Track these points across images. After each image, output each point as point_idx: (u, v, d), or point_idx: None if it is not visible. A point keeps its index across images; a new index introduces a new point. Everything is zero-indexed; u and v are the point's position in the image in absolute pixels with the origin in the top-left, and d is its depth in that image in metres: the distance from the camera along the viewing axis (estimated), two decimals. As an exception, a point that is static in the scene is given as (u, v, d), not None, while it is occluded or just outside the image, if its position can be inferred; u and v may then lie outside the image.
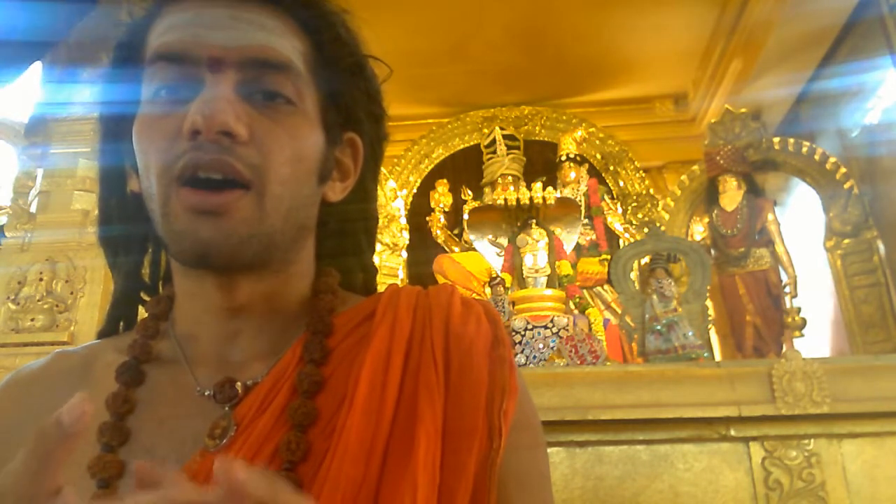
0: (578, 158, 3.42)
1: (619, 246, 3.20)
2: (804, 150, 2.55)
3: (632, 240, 3.12)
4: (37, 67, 2.36)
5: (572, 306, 2.41)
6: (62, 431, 0.36)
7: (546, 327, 2.14)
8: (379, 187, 2.92)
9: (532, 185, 2.51)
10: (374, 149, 0.66)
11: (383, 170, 3.09)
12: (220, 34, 0.53)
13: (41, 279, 2.18)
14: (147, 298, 0.66)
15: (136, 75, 0.56)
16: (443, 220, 3.49)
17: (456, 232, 3.48)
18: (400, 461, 0.50)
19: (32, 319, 2.12)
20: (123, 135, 0.57)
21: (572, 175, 3.34)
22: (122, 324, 0.65)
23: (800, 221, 2.77)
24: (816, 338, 2.45)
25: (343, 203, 0.63)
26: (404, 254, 3.05)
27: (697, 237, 2.79)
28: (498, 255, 2.53)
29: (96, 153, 0.63)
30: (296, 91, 0.55)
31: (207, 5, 0.55)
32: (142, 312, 0.65)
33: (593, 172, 3.50)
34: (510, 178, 3.37)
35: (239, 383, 0.55)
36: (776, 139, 2.62)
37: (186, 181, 0.51)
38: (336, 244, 0.66)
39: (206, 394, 0.56)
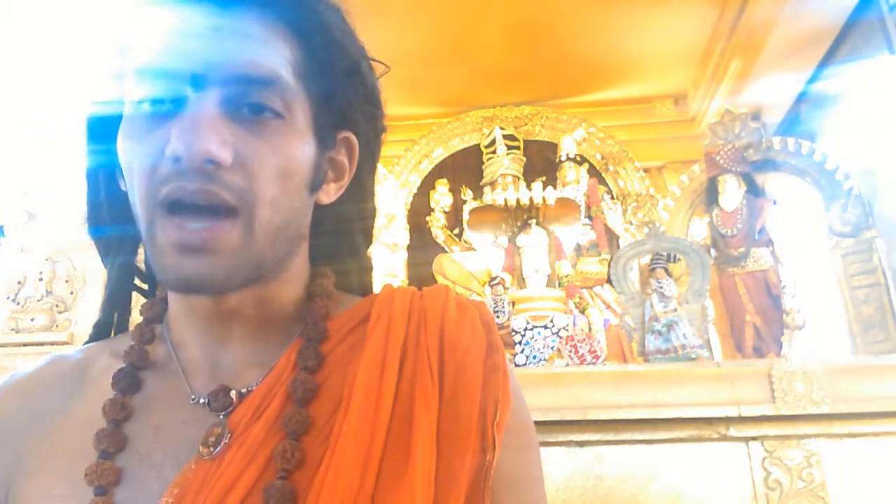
0: (578, 158, 3.42)
1: (619, 246, 3.20)
2: (804, 150, 2.55)
3: (632, 240, 3.12)
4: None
5: (572, 306, 2.41)
6: None
7: (546, 327, 2.15)
8: (379, 187, 2.94)
9: (532, 185, 2.52)
10: (371, 144, 0.63)
11: (384, 169, 3.10)
12: (202, 47, 0.50)
13: (41, 279, 2.18)
14: (143, 286, 0.65)
15: (119, 77, 0.54)
16: (443, 220, 3.49)
17: (456, 232, 3.48)
18: (396, 469, 0.49)
19: (32, 319, 2.13)
20: (109, 136, 0.55)
21: (572, 175, 3.34)
22: (116, 315, 0.64)
23: (800, 221, 2.76)
24: (816, 338, 2.44)
25: (339, 201, 0.61)
26: (404, 254, 3.05)
27: (697, 237, 2.79)
28: (498, 255, 2.53)
29: (83, 153, 0.60)
30: (284, 104, 0.52)
31: (189, 12, 0.51)
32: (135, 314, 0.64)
33: (593, 172, 3.50)
34: (510, 177, 3.38)
35: (233, 391, 0.54)
36: (776, 139, 2.62)
37: (170, 208, 0.49)
38: (332, 243, 0.64)
39: (200, 402, 0.55)
